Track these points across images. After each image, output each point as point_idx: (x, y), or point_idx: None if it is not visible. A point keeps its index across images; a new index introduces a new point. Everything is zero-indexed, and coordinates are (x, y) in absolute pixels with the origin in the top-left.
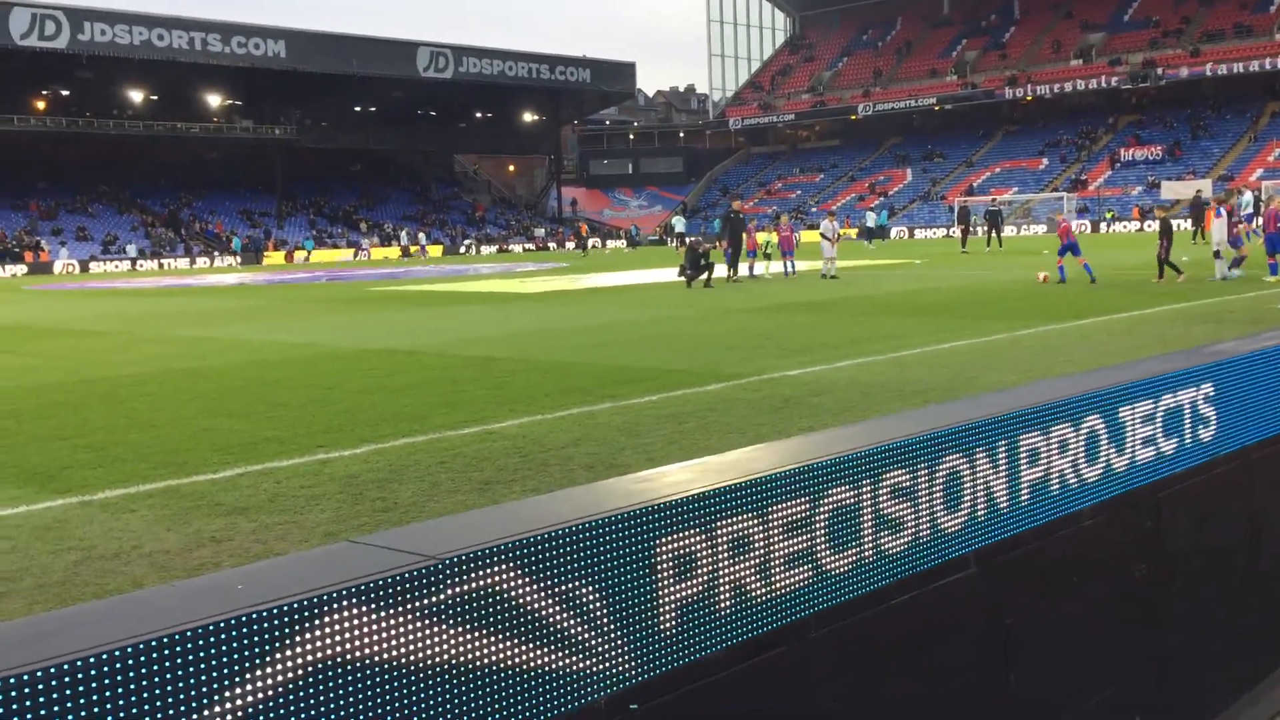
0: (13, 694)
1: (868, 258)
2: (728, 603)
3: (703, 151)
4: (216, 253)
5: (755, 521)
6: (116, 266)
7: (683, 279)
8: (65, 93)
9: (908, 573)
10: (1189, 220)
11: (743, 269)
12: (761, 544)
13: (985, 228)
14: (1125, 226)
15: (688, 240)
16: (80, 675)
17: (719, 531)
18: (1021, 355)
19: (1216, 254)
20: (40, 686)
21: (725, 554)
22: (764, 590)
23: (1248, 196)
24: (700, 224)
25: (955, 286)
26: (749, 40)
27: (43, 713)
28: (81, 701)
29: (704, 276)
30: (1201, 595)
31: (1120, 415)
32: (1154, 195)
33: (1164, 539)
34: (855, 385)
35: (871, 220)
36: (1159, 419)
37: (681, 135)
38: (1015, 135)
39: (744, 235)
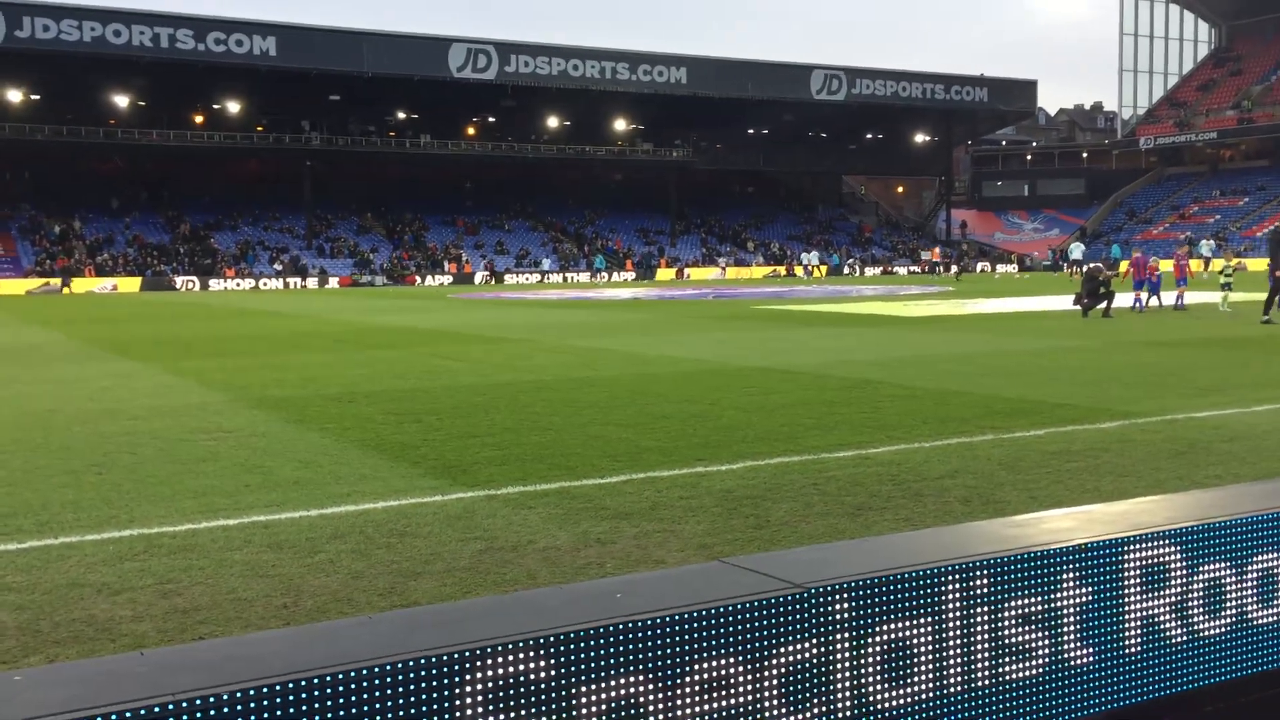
0: (425, 671)
1: None
2: (1082, 669)
3: (1107, 173)
4: (614, 269)
5: (1139, 583)
6: (527, 278)
7: (1078, 308)
8: (491, 120)
9: None
10: None
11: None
12: (1150, 608)
13: None
14: None
15: (1086, 267)
16: (478, 662)
17: (1099, 588)
18: None
19: None
20: (450, 668)
21: (1105, 614)
22: (1123, 657)
23: None
24: (1101, 250)
25: None
26: (1166, 53)
27: (450, 690)
28: (477, 686)
29: (1102, 305)
30: None
31: None
32: None
33: None
34: (1276, 433)
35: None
36: None
37: (1084, 155)
38: None
39: None
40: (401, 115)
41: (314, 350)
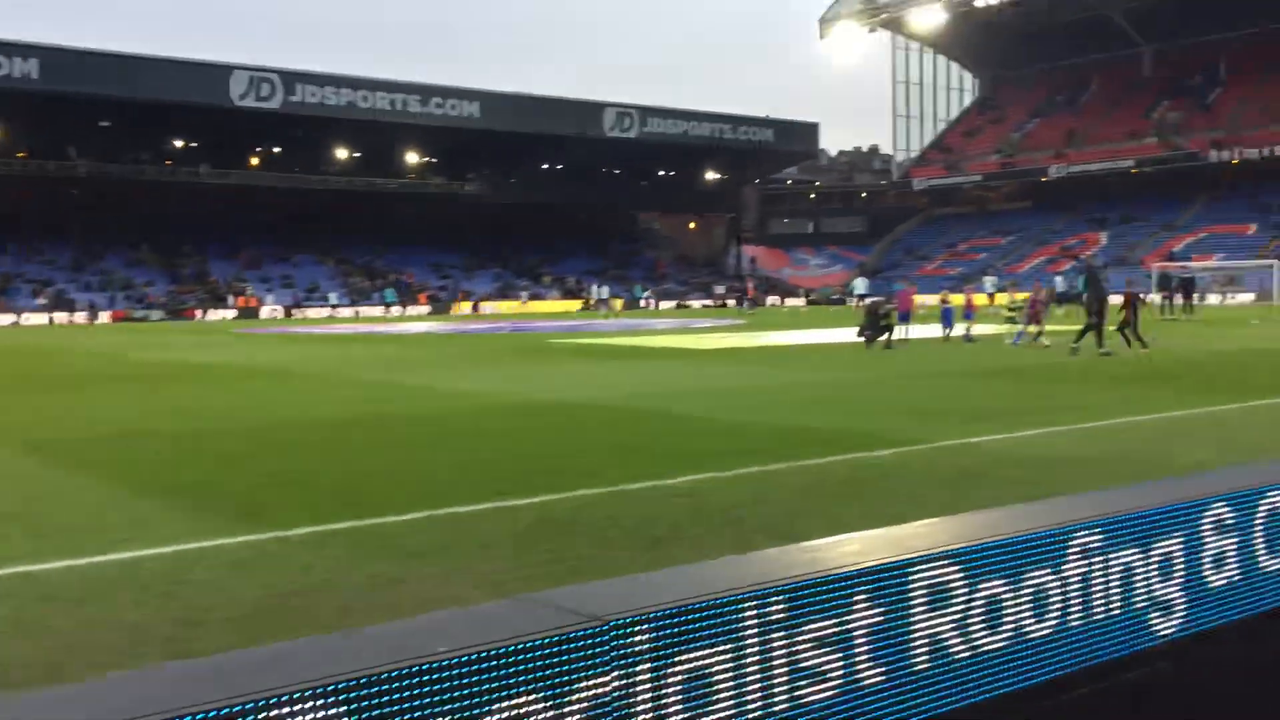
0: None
1: (1058, 323)
2: (875, 684)
3: (885, 211)
4: (404, 303)
5: (924, 602)
6: (317, 313)
7: (862, 339)
8: (277, 150)
9: (1074, 667)
10: None
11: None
12: (935, 626)
13: (1178, 296)
14: None
15: (867, 301)
16: (266, 713)
17: (888, 608)
18: (1222, 432)
19: None
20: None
21: (894, 634)
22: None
23: None
24: (882, 285)
25: (1151, 355)
26: (935, 101)
27: None
28: None
29: (884, 338)
30: None
31: None
32: None
33: None
34: (1040, 458)
35: (1061, 284)
36: None
37: (864, 195)
38: (1220, 200)
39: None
40: (179, 143)
41: (84, 389)
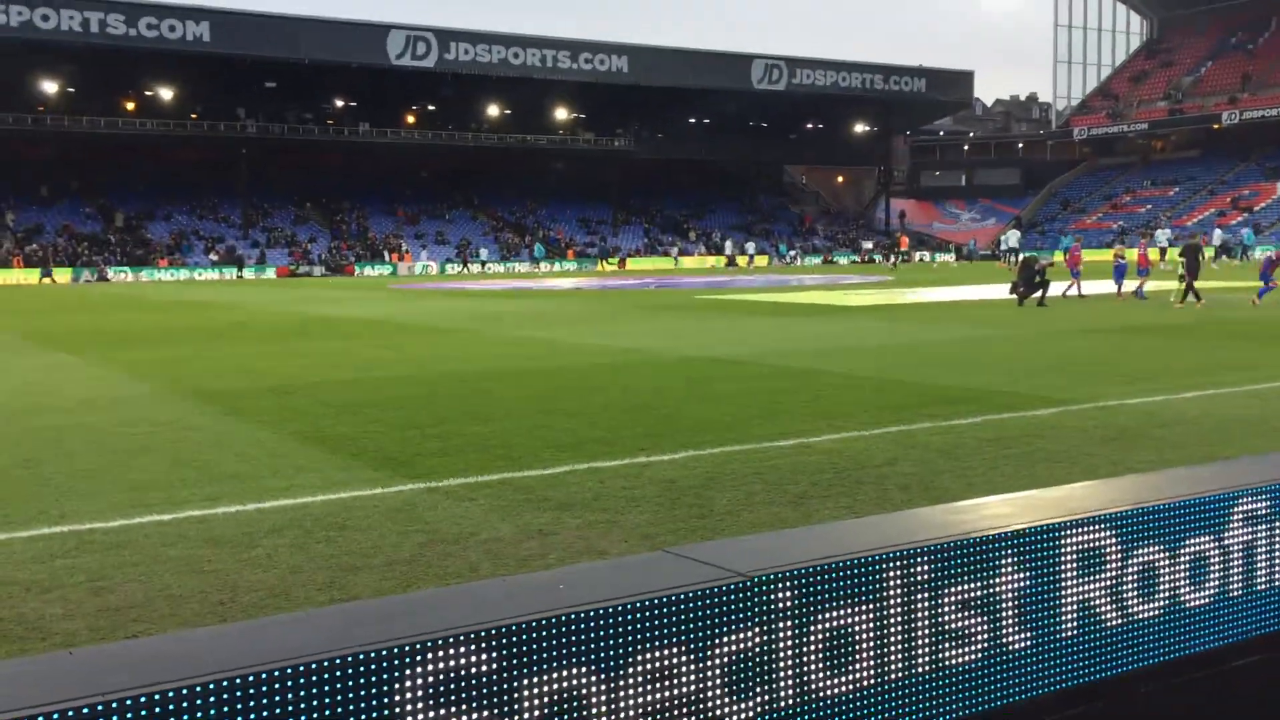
0: (364, 666)
1: (1220, 279)
2: (1023, 648)
3: (1042, 163)
4: (555, 259)
5: (1075, 567)
6: (469, 269)
7: (1014, 296)
8: (431, 108)
9: (1241, 638)
10: None
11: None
12: (1087, 592)
13: None
14: None
15: (1022, 256)
16: (418, 656)
17: (1037, 573)
18: None
19: None
20: (390, 663)
21: (1042, 599)
22: (1079, 642)
23: None
24: (1034, 239)
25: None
26: (1099, 45)
27: (390, 685)
28: (418, 681)
29: (1037, 294)
30: None
31: None
32: None
33: None
34: (1205, 419)
35: (1219, 238)
36: None
37: (1020, 146)
38: None
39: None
40: (339, 103)
41: (250, 341)
